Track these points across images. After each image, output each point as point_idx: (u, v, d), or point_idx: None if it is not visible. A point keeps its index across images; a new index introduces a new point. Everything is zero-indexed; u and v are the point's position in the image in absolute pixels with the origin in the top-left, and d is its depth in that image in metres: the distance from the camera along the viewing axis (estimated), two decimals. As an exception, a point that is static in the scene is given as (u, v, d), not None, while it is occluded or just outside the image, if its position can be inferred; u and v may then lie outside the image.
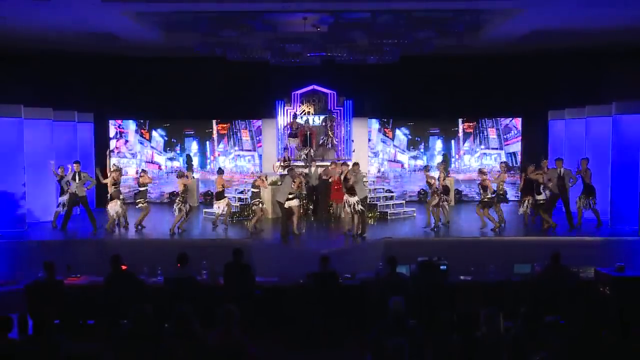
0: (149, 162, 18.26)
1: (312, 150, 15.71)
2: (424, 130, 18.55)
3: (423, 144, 18.57)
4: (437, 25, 13.35)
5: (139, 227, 13.32)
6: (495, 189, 13.06)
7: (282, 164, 15.64)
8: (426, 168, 14.00)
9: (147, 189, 13.64)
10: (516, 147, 18.33)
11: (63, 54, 15.74)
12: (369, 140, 18.22)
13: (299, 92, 17.08)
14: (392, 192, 16.57)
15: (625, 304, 8.71)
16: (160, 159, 18.54)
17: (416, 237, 12.82)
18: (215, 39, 13.81)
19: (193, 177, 16.45)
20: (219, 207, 13.43)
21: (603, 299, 9.28)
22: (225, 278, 8.94)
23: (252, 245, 11.58)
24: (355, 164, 12.57)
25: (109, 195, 13.10)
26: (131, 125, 18.41)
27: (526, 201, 13.22)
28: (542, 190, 12.82)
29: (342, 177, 12.42)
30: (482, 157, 18.45)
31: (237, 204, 14.89)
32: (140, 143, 18.46)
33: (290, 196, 12.59)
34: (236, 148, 18.53)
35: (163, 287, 8.86)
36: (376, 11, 12.59)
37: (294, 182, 12.57)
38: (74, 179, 13.14)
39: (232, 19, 12.99)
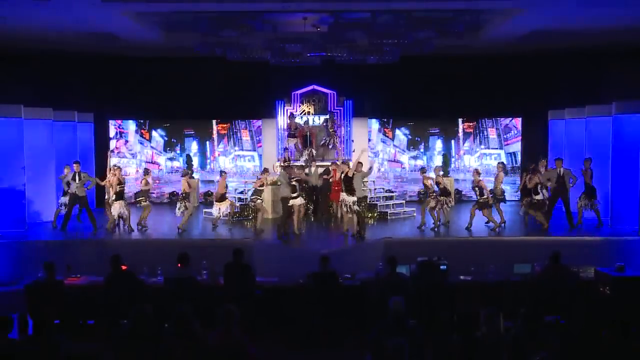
0: (149, 162, 18.27)
1: (312, 150, 15.71)
2: (424, 130, 18.56)
3: (423, 144, 18.58)
4: (437, 25, 13.34)
5: (141, 226, 13.33)
6: (492, 188, 13.09)
7: (282, 164, 15.64)
8: (422, 170, 13.99)
9: (149, 189, 13.73)
10: (516, 147, 18.34)
11: (63, 54, 15.74)
12: (369, 140, 18.22)
13: (299, 92, 17.07)
14: (392, 192, 16.59)
15: (625, 304, 8.72)
16: (160, 159, 18.54)
17: (416, 237, 12.82)
18: (215, 39, 13.80)
19: (193, 177, 16.45)
20: (220, 209, 13.44)
21: (603, 298, 9.29)
22: (225, 278, 8.94)
23: (252, 245, 11.58)
24: (359, 164, 12.58)
25: (113, 195, 12.92)
26: (131, 126, 18.41)
27: (525, 201, 13.25)
28: (539, 190, 12.81)
29: (343, 177, 12.42)
30: (482, 157, 18.46)
31: (237, 204, 14.89)
32: (140, 143, 18.46)
33: (294, 195, 12.62)
34: (236, 148, 18.53)
35: (163, 287, 8.87)
36: (376, 11, 12.59)
37: (292, 177, 12.61)
38: (74, 179, 13.12)
39: (232, 19, 12.98)
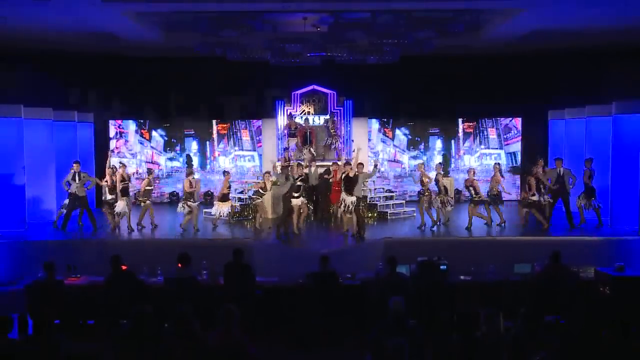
0: (149, 162, 18.27)
1: (312, 150, 15.71)
2: (424, 130, 18.54)
3: (423, 144, 18.57)
4: (437, 25, 13.34)
5: (141, 226, 13.36)
6: (487, 188, 13.13)
7: (282, 164, 15.62)
8: (420, 165, 13.88)
9: (152, 188, 13.74)
10: (516, 147, 18.34)
11: (63, 54, 15.73)
12: (369, 140, 18.21)
13: (299, 92, 17.07)
14: (392, 192, 16.59)
15: (625, 304, 8.72)
16: (161, 159, 18.54)
17: (416, 237, 12.82)
18: (215, 39, 13.80)
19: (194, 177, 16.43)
20: (221, 209, 13.43)
21: (603, 298, 9.29)
22: (225, 278, 8.94)
23: (252, 245, 11.58)
24: (360, 164, 12.58)
25: (114, 193, 12.87)
26: (131, 126, 18.40)
27: (523, 199, 13.27)
28: (536, 191, 12.78)
29: (344, 177, 12.42)
30: (482, 157, 18.46)
31: (237, 204, 14.89)
32: (140, 143, 18.45)
33: (295, 194, 12.62)
34: (236, 148, 18.52)
35: (163, 287, 8.87)
36: (376, 11, 12.59)
37: (296, 177, 12.60)
38: (73, 179, 13.11)
39: (232, 19, 12.98)
